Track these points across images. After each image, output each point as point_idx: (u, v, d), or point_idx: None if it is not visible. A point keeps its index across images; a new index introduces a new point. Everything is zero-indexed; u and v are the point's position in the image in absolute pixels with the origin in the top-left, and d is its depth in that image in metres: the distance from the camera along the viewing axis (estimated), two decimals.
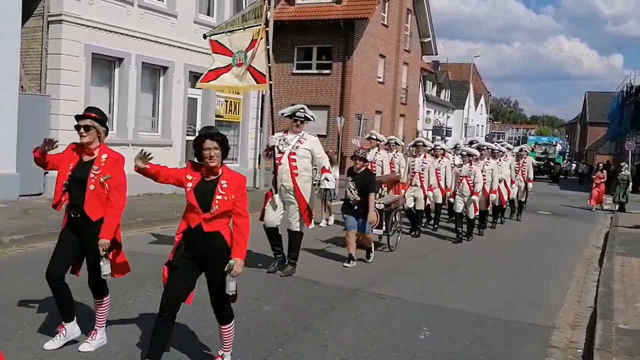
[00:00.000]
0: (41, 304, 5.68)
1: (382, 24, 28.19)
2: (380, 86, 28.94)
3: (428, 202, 11.93)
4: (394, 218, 9.76)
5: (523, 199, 15.74)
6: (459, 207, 11.12)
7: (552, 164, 41.43)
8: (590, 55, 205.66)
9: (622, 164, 22.47)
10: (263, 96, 19.30)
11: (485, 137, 62.10)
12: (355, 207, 8.26)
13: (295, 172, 7.48)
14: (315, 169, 8.09)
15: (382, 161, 11.50)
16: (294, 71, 26.39)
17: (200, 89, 12.83)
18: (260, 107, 19.21)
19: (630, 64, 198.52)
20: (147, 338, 5.03)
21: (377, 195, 8.92)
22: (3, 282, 6.42)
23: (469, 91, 60.83)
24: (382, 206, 9.01)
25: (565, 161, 48.17)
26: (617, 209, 19.63)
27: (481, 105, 70.92)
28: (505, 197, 13.53)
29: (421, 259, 9.52)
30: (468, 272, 8.81)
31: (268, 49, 8.00)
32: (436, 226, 12.54)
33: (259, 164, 18.66)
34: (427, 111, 47.50)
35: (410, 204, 11.36)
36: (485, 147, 12.36)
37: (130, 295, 6.20)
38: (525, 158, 15.58)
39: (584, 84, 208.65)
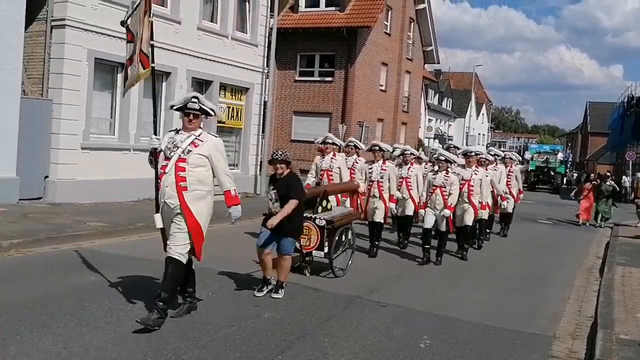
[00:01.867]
0: (39, 309, 5.66)
1: (385, 32, 28.26)
2: (382, 94, 28.98)
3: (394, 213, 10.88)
4: (342, 237, 8.15)
5: (510, 211, 13.93)
6: (429, 222, 9.50)
7: (552, 173, 39.18)
8: (591, 65, 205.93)
9: (607, 173, 20.63)
10: (265, 102, 19.35)
11: (487, 146, 62.15)
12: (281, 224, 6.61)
13: (183, 186, 5.51)
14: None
15: (339, 167, 9.91)
16: (297, 78, 26.43)
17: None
18: (262, 113, 19.24)
19: (630, 74, 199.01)
20: (146, 342, 5.01)
21: (321, 208, 7.95)
22: (1, 287, 6.40)
23: (470, 100, 60.92)
24: (323, 222, 7.63)
25: (567, 171, 45.64)
26: (602, 224, 18.10)
27: (483, 114, 71.00)
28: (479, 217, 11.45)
29: (421, 267, 9.48)
30: (468, 280, 8.78)
31: (151, 22, 6.28)
32: (406, 242, 11.12)
33: (260, 170, 18.67)
34: (429, 119, 47.55)
35: (370, 216, 10.03)
36: (473, 154, 10.74)
37: (130, 300, 6.17)
38: (512, 167, 13.80)
39: (584, 94, 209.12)
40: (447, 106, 56.57)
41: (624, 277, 9.30)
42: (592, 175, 21.18)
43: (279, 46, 20.94)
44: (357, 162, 10.35)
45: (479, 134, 67.41)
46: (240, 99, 18.53)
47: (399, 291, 7.66)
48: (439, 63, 38.02)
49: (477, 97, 66.60)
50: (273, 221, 6.44)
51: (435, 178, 9.51)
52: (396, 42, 29.74)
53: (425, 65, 36.78)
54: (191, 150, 5.59)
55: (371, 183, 9.97)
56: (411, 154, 11.10)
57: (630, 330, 6.22)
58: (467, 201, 10.16)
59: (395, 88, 30.37)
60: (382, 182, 9.90)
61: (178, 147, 5.65)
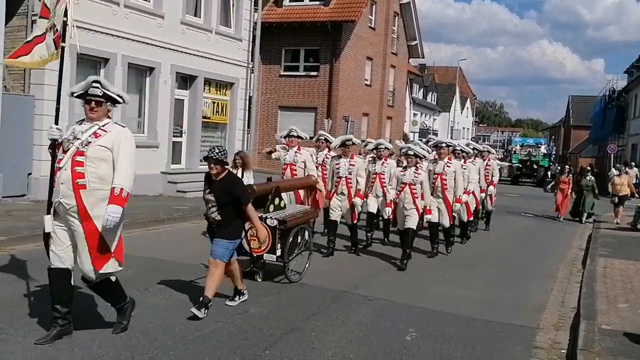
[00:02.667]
0: (23, 308, 5.62)
1: (369, 26, 28.27)
2: (368, 89, 29.02)
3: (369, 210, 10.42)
4: (297, 238, 7.45)
5: (490, 207, 13.69)
6: (401, 224, 8.99)
7: (535, 166, 38.57)
8: (573, 59, 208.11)
9: (587, 167, 19.64)
10: (250, 97, 19.30)
11: (471, 139, 62.51)
12: (217, 229, 5.86)
13: (81, 183, 4.66)
14: None
15: (303, 162, 9.31)
16: (282, 73, 26.38)
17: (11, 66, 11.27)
18: (247, 108, 19.18)
19: (611, 68, 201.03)
20: (133, 339, 4.99)
21: (273, 206, 7.26)
22: None
23: (455, 94, 61.22)
24: (275, 223, 6.93)
25: (550, 164, 45.30)
26: (583, 220, 16.94)
27: (467, 108, 71.42)
28: (472, 208, 11.42)
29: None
30: (453, 274, 8.85)
31: None
32: (386, 240, 10.84)
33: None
34: (414, 114, 47.72)
35: (334, 215, 9.27)
36: (444, 145, 10.07)
37: None
38: (489, 160, 13.46)
39: (566, 88, 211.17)
40: (431, 100, 56.79)
41: (606, 268, 9.43)
42: (567, 167, 19.33)
43: (264, 41, 20.89)
44: (327, 158, 9.80)
45: (464, 128, 67.82)
46: (225, 94, 18.46)
47: (385, 285, 7.70)
48: (423, 57, 38.13)
49: (462, 92, 66.94)
50: (263, 234, 6.53)
51: (404, 175, 8.86)
52: (381, 36, 29.77)
53: (410, 59, 36.86)
54: (91, 142, 4.76)
55: (338, 180, 9.17)
56: (385, 148, 10.50)
57: (612, 321, 6.32)
58: (441, 196, 9.76)
59: (380, 82, 30.42)
60: (350, 178, 9.09)
61: (77, 139, 4.85)
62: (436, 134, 48.87)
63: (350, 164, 9.16)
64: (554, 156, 46.83)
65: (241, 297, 6.27)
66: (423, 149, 10.30)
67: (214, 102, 17.99)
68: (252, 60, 18.97)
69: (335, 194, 9.19)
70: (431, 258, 9.76)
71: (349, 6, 25.67)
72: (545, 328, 6.35)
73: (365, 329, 5.83)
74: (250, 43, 18.92)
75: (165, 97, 15.69)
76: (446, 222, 9.93)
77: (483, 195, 12.60)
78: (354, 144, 9.58)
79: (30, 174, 12.60)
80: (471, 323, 6.28)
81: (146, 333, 5.21)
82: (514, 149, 41.33)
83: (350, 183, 9.11)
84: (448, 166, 9.78)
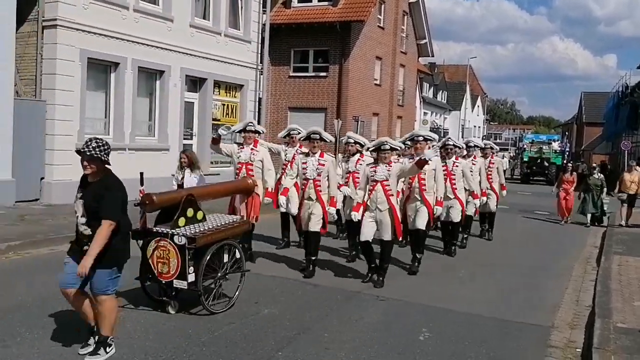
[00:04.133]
0: (38, 311, 5.66)
1: (378, 26, 28.21)
2: (377, 88, 28.95)
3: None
4: (218, 257, 5.97)
5: (493, 210, 11.98)
6: (367, 234, 7.53)
7: (547, 164, 35.68)
8: (585, 55, 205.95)
9: (593, 165, 17.80)
10: (260, 99, 19.34)
11: (482, 138, 62.23)
12: (86, 248, 4.42)
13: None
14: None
15: (261, 160, 8.32)
16: (291, 74, 26.37)
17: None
18: (257, 110, 19.22)
19: (624, 64, 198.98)
20: (147, 341, 5.01)
21: (184, 219, 5.80)
22: (1, 289, 6.39)
23: (465, 92, 60.94)
24: (184, 241, 5.55)
25: (564, 162, 43.12)
26: (589, 222, 15.41)
27: (478, 106, 71.03)
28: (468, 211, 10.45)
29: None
30: (466, 273, 8.81)
31: None
32: (354, 252, 9.07)
33: None
34: (424, 113, 47.55)
35: (304, 224, 7.99)
36: (421, 138, 8.33)
37: (129, 300, 6.18)
38: (492, 157, 11.94)
39: (578, 85, 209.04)
40: (442, 99, 56.57)
41: (621, 266, 9.34)
42: (569, 164, 17.36)
43: (273, 42, 20.91)
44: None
45: (475, 126, 67.44)
46: (235, 96, 18.51)
47: (397, 285, 7.67)
48: (433, 56, 37.93)
49: (472, 90, 66.61)
50: (83, 266, 4.28)
51: (375, 172, 7.48)
52: (390, 35, 29.69)
53: (420, 58, 36.72)
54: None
55: (305, 181, 7.83)
56: (355, 142, 8.97)
57: (628, 319, 6.25)
58: (419, 198, 8.38)
59: (389, 82, 30.33)
60: (319, 179, 7.77)
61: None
62: (447, 133, 48.77)
63: (319, 163, 7.75)
64: (567, 153, 44.44)
65: (107, 351, 4.59)
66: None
67: (223, 104, 18.05)
68: (261, 62, 19.00)
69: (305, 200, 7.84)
70: (413, 272, 8.43)
71: (357, 6, 25.62)
72: (560, 327, 6.29)
73: (378, 329, 5.81)
74: (259, 45, 18.96)
75: (175, 100, 15.76)
76: (421, 225, 8.38)
77: (484, 199, 11.16)
78: (322, 139, 8.13)
79: (42, 178, 12.70)
80: (485, 322, 6.24)
81: (160, 335, 5.23)
82: (524, 146, 39.61)
83: (320, 185, 7.73)
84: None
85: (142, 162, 10.98)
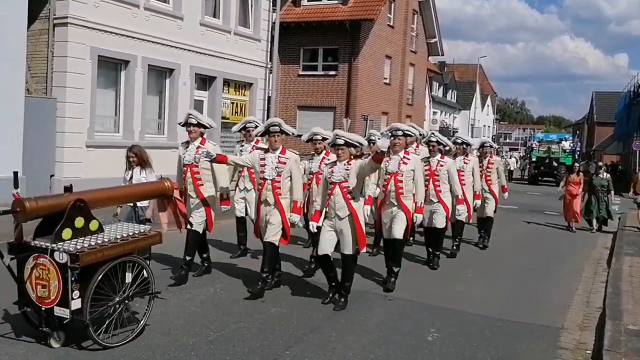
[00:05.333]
0: None
1: (388, 25, 28.13)
2: (387, 87, 28.88)
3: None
4: (115, 278, 4.85)
5: (490, 214, 10.85)
6: (325, 248, 6.39)
7: (555, 164, 33.87)
8: (595, 54, 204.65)
9: (599, 164, 16.30)
10: (269, 97, 19.35)
11: (492, 138, 61.95)
12: None
13: None
14: None
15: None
16: (300, 72, 26.36)
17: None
18: (266, 108, 19.23)
19: (635, 63, 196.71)
20: (154, 339, 5.02)
21: (71, 230, 4.72)
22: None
23: (475, 92, 60.70)
24: (65, 258, 4.50)
25: (574, 161, 40.28)
26: (596, 227, 14.21)
27: (488, 105, 70.74)
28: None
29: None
30: (475, 273, 8.76)
31: None
32: (312, 266, 7.82)
33: None
34: (434, 112, 47.42)
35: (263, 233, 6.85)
36: (400, 133, 7.32)
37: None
38: (492, 157, 10.94)
39: (589, 84, 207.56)
40: (451, 98, 56.38)
41: (632, 267, 9.26)
42: (576, 164, 16.10)
43: (282, 40, 20.88)
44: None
45: (484, 125, 67.18)
46: (244, 95, 18.53)
47: (405, 285, 7.62)
48: (443, 55, 37.79)
49: (482, 89, 66.34)
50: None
51: (332, 172, 6.32)
52: (400, 34, 29.61)
53: (429, 57, 36.61)
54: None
55: (262, 182, 6.68)
56: (323, 138, 7.56)
57: (639, 321, 6.19)
58: (395, 204, 7.24)
59: (399, 81, 30.25)
60: (278, 180, 6.62)
61: None
62: (456, 132, 48.57)
63: (279, 161, 6.64)
64: (578, 153, 42.77)
65: None
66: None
67: (233, 103, 18.08)
68: (270, 61, 19.00)
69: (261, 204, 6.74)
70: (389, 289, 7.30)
71: (367, 5, 25.56)
72: (570, 328, 6.24)
73: (385, 330, 5.79)
74: (269, 43, 18.96)
75: (185, 98, 15.80)
76: (398, 234, 7.22)
77: (478, 202, 10.15)
78: (283, 132, 6.80)
79: (52, 175, 12.77)
80: (494, 323, 6.20)
81: (167, 333, 5.23)
82: (532, 145, 37.94)
83: (279, 188, 6.61)
84: (405, 163, 7.23)
85: (153, 160, 11.00)
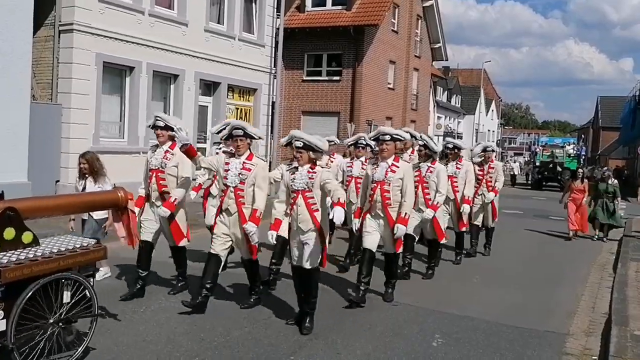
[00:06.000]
0: None
1: (392, 30, 28.18)
2: (391, 92, 28.90)
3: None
4: (48, 298, 4.31)
5: (491, 225, 10.56)
6: (295, 257, 5.85)
7: (559, 168, 32.83)
8: (600, 59, 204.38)
9: (604, 168, 15.29)
10: (273, 103, 19.38)
11: (497, 142, 61.85)
12: None
13: None
14: None
15: (175, 166, 6.53)
16: (305, 78, 26.43)
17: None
18: (270, 114, 19.26)
19: None
20: (159, 344, 5.02)
21: (2, 243, 4.23)
22: None
23: (479, 96, 60.67)
24: None
25: (579, 166, 33.53)
26: (604, 235, 13.48)
27: (492, 110, 70.69)
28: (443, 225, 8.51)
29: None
30: (480, 279, 8.73)
31: None
32: (266, 288, 7.08)
33: (270, 171, 18.68)
34: (438, 117, 47.41)
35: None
36: (388, 137, 6.64)
37: (143, 303, 6.20)
38: (492, 161, 10.48)
39: (594, 89, 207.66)
40: (456, 103, 56.37)
41: (638, 272, 9.20)
42: (580, 170, 14.98)
43: (286, 46, 20.95)
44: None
45: (489, 130, 67.14)
46: (248, 100, 18.57)
47: (410, 290, 7.60)
48: (447, 60, 37.87)
49: (486, 94, 66.33)
50: None
51: (294, 179, 5.66)
52: (404, 39, 29.65)
53: (434, 62, 36.64)
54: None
55: (225, 189, 6.13)
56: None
57: None
58: (382, 215, 6.64)
59: (403, 86, 30.28)
60: (242, 188, 6.05)
61: None
62: (461, 137, 48.53)
63: (243, 168, 6.06)
64: (583, 157, 41.73)
65: None
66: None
67: (237, 108, 18.13)
68: (274, 66, 19.06)
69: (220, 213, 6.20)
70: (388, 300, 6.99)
71: (371, 10, 25.62)
72: (576, 334, 6.21)
73: (391, 335, 5.77)
74: (273, 49, 19.01)
75: (190, 104, 15.85)
76: (391, 248, 6.79)
77: (467, 207, 9.44)
78: (247, 135, 6.11)
79: (58, 181, 12.82)
80: (499, 329, 6.17)
81: (172, 339, 5.23)
82: (535, 150, 37.03)
83: (241, 195, 6.05)
84: (393, 170, 6.60)
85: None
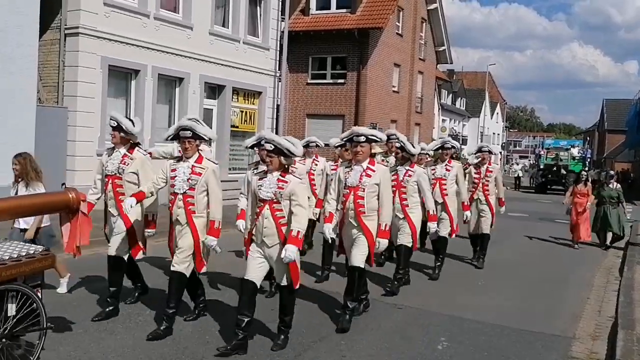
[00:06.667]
0: (58, 315, 5.69)
1: (397, 33, 28.18)
2: (395, 95, 28.89)
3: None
4: None
5: (486, 230, 9.55)
6: (252, 274, 5.14)
7: (564, 172, 31.97)
8: (605, 62, 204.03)
9: (611, 172, 14.32)
10: (278, 106, 19.41)
11: (502, 145, 61.77)
12: None
13: None
14: None
15: (134, 173, 5.98)
16: (309, 81, 26.45)
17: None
18: (275, 117, 19.29)
19: None
20: (164, 347, 5.02)
21: None
22: None
23: (484, 99, 60.59)
24: None
25: (585, 169, 35.42)
26: (609, 243, 12.78)
27: (497, 113, 70.58)
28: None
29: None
30: (486, 282, 8.70)
31: None
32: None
33: None
34: (443, 120, 47.36)
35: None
36: (363, 139, 5.87)
37: (147, 306, 6.21)
38: (489, 164, 9.60)
39: (599, 92, 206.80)
40: (461, 106, 56.32)
41: None
42: (583, 173, 14.01)
43: (291, 49, 20.98)
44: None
45: (494, 133, 67.00)
46: (253, 103, 18.60)
47: (414, 293, 7.59)
48: (451, 63, 37.75)
49: (491, 97, 66.22)
50: None
51: (261, 187, 5.03)
52: (408, 42, 29.65)
53: (438, 65, 36.62)
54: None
55: (173, 197, 5.56)
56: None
57: None
58: (355, 224, 5.91)
59: (408, 89, 30.27)
60: (191, 195, 5.47)
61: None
62: (466, 140, 48.47)
63: (192, 172, 5.48)
64: (588, 160, 40.60)
65: None
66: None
67: (242, 111, 18.16)
68: (279, 69, 19.08)
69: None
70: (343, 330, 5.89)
71: (376, 13, 25.64)
72: (582, 338, 6.18)
73: (395, 338, 5.76)
74: (278, 52, 19.05)
75: (195, 107, 15.88)
76: (358, 261, 5.89)
77: (468, 213, 9.00)
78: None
79: (64, 184, 12.76)
80: (504, 332, 6.15)
81: (177, 342, 5.24)
82: (539, 153, 36.62)
83: (191, 203, 5.47)
84: (368, 175, 5.86)
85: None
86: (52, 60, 13.03)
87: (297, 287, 5.15)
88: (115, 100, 14.04)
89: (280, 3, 18.99)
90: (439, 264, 8.72)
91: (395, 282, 7.47)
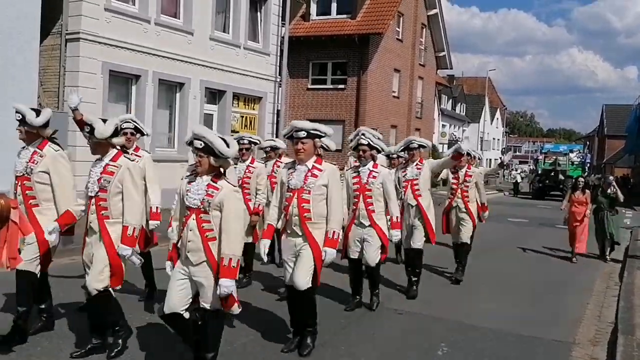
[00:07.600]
0: (59, 320, 5.69)
1: (397, 38, 28.26)
2: (395, 100, 28.95)
3: None
4: None
5: (465, 240, 8.90)
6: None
7: (562, 177, 31.09)
8: (605, 67, 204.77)
9: (609, 177, 13.51)
10: (278, 111, 19.44)
11: (502, 151, 61.78)
12: None
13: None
14: None
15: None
16: (309, 86, 26.51)
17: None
18: (275, 122, 19.32)
19: None
20: (164, 352, 5.02)
21: None
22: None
23: (484, 105, 60.69)
24: None
25: (584, 175, 30.54)
26: (608, 254, 12.02)
27: (497, 118, 70.71)
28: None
29: (438, 275, 9.41)
30: (486, 287, 8.70)
31: None
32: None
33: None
34: (443, 125, 47.41)
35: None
36: (302, 133, 5.08)
37: (149, 309, 6.21)
38: (469, 168, 8.97)
39: (599, 97, 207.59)
40: (460, 111, 56.40)
41: None
42: (581, 179, 12.39)
43: (291, 55, 21.04)
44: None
45: (494, 138, 67.10)
46: (254, 108, 18.63)
47: (416, 299, 7.59)
48: (451, 68, 37.87)
49: (491, 102, 66.34)
50: None
51: (188, 193, 4.33)
52: (408, 48, 29.73)
53: (438, 70, 36.70)
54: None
55: (88, 201, 4.88)
56: (249, 142, 7.06)
57: None
58: (300, 233, 5.14)
59: (408, 94, 30.33)
60: (103, 198, 4.78)
61: None
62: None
63: (105, 170, 4.87)
64: (588, 165, 39.52)
65: None
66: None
67: (242, 117, 18.19)
68: (279, 74, 19.12)
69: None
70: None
71: (376, 19, 25.73)
72: (582, 343, 6.18)
73: (396, 344, 5.76)
74: (278, 57, 19.09)
75: (195, 112, 15.92)
76: (302, 283, 5.11)
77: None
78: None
79: None
80: (505, 338, 6.15)
81: (174, 348, 5.23)
82: (537, 157, 36.02)
83: (104, 208, 4.82)
84: (314, 175, 5.14)
85: (161, 173, 11.04)
86: (53, 66, 13.07)
87: (234, 309, 4.28)
88: (116, 105, 14.07)
89: (281, 9, 19.05)
90: (415, 279, 7.65)
91: (374, 298, 6.92)
